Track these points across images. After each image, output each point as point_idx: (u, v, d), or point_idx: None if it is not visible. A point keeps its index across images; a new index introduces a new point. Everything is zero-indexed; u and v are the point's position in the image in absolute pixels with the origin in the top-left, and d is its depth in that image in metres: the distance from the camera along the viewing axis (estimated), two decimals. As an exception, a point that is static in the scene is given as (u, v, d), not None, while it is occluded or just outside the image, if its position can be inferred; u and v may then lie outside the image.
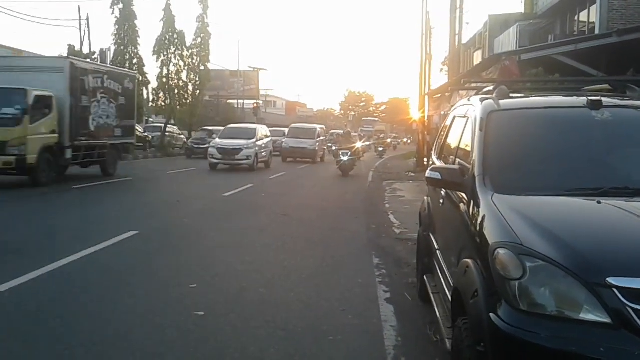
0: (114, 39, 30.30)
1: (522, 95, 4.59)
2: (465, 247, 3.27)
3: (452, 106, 6.49)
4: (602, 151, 3.55)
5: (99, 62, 29.25)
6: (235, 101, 55.85)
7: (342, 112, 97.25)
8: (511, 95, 4.13)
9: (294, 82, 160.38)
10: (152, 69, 45.07)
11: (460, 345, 2.85)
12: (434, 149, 6.04)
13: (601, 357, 2.25)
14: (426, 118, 24.43)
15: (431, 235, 4.97)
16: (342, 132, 31.45)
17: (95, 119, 16.71)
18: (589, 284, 2.35)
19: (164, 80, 33.72)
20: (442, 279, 4.09)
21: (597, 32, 16.80)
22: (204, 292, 5.58)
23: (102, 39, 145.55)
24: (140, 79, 30.68)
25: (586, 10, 19.49)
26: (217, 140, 23.11)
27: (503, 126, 3.70)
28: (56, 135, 14.75)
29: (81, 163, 16.61)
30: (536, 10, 24.12)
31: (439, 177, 3.67)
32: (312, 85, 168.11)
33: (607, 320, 2.30)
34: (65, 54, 51.21)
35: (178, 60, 34.27)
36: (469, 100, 4.64)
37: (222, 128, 27.25)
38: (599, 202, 2.95)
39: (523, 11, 26.60)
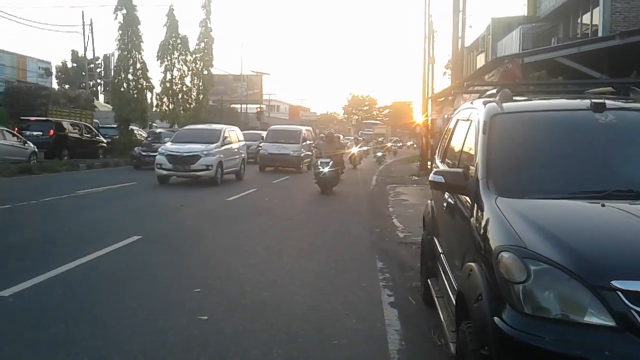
0: (117, 44, 30.39)
1: (525, 98, 4.59)
2: (469, 250, 3.26)
3: (455, 109, 6.48)
4: (606, 154, 3.54)
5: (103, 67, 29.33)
6: (238, 106, 55.94)
7: (346, 116, 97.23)
8: (514, 98, 4.12)
9: (297, 86, 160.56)
10: (155, 74, 45.32)
11: (465, 349, 2.84)
12: (437, 152, 6.03)
13: (606, 360, 2.23)
14: (429, 121, 24.40)
15: (435, 239, 4.96)
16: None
17: None
18: (594, 287, 2.34)
19: (168, 85, 33.85)
20: (446, 283, 4.08)
21: (600, 34, 16.79)
22: (207, 295, 5.58)
23: (106, 45, 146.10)
24: (145, 84, 30.80)
25: (589, 13, 19.47)
26: (168, 144, 17.67)
27: (506, 129, 3.69)
28: None
29: None
30: (539, 13, 24.10)
31: (443, 180, 3.67)
32: (315, 89, 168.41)
33: (611, 323, 2.29)
34: (69, 60, 51.50)
35: (181, 65, 34.42)
36: (472, 103, 4.64)
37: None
38: (603, 205, 2.94)
39: (526, 14, 26.61)
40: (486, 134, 3.62)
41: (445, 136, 5.52)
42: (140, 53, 30.92)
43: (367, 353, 4.35)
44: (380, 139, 41.80)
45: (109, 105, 36.97)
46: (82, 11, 63.47)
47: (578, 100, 4.09)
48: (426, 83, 26.01)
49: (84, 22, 37.33)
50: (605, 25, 17.27)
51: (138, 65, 30.74)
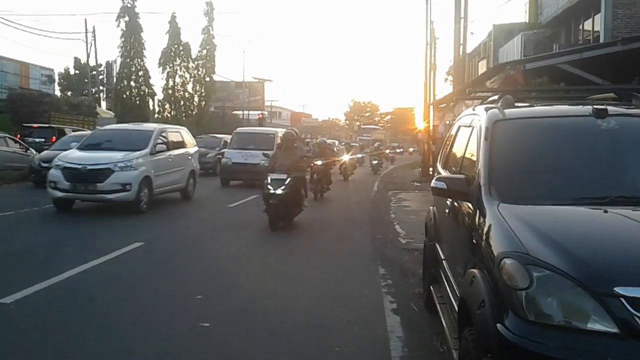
0: (120, 52, 30.60)
1: (527, 104, 4.59)
2: (472, 257, 3.25)
3: (457, 116, 6.49)
4: (608, 160, 3.53)
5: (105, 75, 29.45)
6: (240, 112, 56.04)
7: (347, 122, 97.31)
8: (516, 104, 4.12)
9: (299, 92, 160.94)
10: (157, 80, 45.45)
11: (467, 356, 2.83)
12: (439, 158, 6.03)
13: (609, 367, 2.22)
14: (431, 127, 24.41)
15: (437, 245, 4.95)
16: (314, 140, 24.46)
17: None
18: (597, 294, 2.34)
19: (170, 92, 33.99)
20: (448, 289, 4.07)
21: (601, 40, 16.79)
22: (209, 303, 5.57)
23: (109, 52, 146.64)
24: (147, 91, 30.92)
25: (590, 19, 19.49)
26: (70, 152, 12.41)
27: (508, 135, 3.70)
28: None
29: None
30: (540, 20, 24.14)
31: (445, 186, 3.66)
32: (317, 95, 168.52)
33: (615, 330, 2.28)
34: (71, 67, 51.76)
35: (183, 72, 34.60)
36: (473, 109, 4.64)
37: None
38: (605, 211, 2.93)
39: (527, 20, 26.64)
40: (488, 140, 3.62)
41: (447, 142, 5.52)
42: (142, 60, 31.11)
43: (369, 360, 4.34)
44: (376, 145, 35.87)
45: (111, 112, 37.06)
46: (85, 19, 64.22)
47: (580, 107, 4.09)
48: (428, 89, 26.07)
49: (86, 30, 37.36)
50: (606, 32, 17.28)
51: (140, 72, 30.93)
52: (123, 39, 30.62)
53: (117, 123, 29.79)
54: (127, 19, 30.59)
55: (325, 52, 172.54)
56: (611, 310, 2.30)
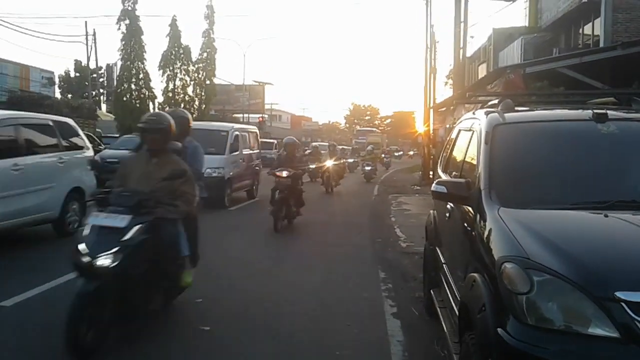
0: (120, 54, 30.59)
1: (527, 108, 4.60)
2: (472, 261, 3.25)
3: (457, 119, 6.50)
4: (608, 164, 3.54)
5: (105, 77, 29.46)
6: (241, 115, 56.04)
7: (348, 125, 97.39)
8: (516, 108, 4.13)
9: (300, 96, 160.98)
10: (158, 83, 45.41)
11: (468, 360, 2.83)
12: (439, 162, 6.03)
13: (610, 372, 2.22)
14: (431, 131, 24.43)
15: (437, 249, 4.95)
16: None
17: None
18: (597, 298, 2.34)
19: (170, 94, 33.97)
20: (449, 293, 4.07)
21: (601, 45, 16.81)
22: (209, 306, 5.57)
23: (109, 54, 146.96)
24: (147, 93, 30.95)
25: (590, 24, 19.51)
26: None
27: (508, 139, 3.70)
28: None
29: None
30: (540, 24, 24.17)
31: (445, 190, 3.66)
32: (318, 99, 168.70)
33: (615, 334, 2.28)
34: (71, 69, 51.77)
35: (184, 75, 34.57)
36: (474, 113, 4.64)
37: None
38: (606, 216, 2.93)
39: (527, 24, 26.68)
40: (488, 144, 3.62)
41: (447, 146, 5.53)
42: (143, 63, 31.11)
43: (369, 364, 4.33)
44: (369, 148, 29.53)
45: (111, 115, 37.09)
46: (86, 21, 64.16)
47: (580, 111, 4.10)
48: (428, 93, 26.08)
49: (87, 32, 37.47)
50: (606, 36, 17.30)
51: (141, 75, 30.93)
52: (123, 42, 30.62)
53: (117, 126, 29.91)
54: (127, 21, 30.59)
55: (325, 55, 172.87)
56: (612, 315, 2.30)
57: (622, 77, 12.05)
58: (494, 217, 3.05)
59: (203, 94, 35.41)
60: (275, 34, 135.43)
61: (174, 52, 33.79)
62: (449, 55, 77.14)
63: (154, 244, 4.40)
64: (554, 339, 2.35)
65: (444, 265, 4.49)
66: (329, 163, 18.31)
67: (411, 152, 68.79)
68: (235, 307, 5.59)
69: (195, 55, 35.16)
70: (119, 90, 30.83)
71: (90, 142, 26.23)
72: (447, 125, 19.60)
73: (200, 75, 35.40)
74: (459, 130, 5.03)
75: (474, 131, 4.14)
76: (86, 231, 4.31)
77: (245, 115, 55.72)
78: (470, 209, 3.50)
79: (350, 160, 27.69)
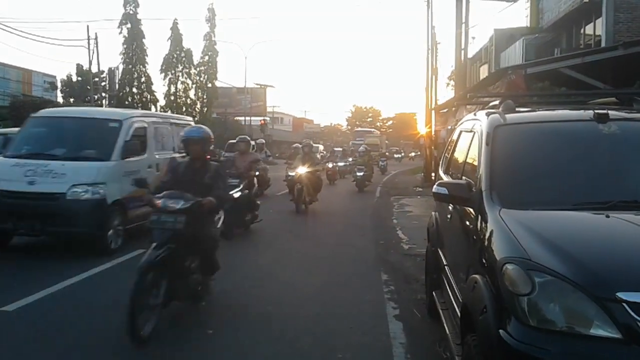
0: (122, 58, 30.72)
1: (528, 109, 4.59)
2: (474, 262, 3.25)
3: (459, 121, 6.49)
4: (610, 164, 3.53)
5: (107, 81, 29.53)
6: (242, 118, 56.15)
7: (350, 127, 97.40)
8: (517, 109, 4.12)
9: (301, 98, 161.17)
10: (159, 87, 45.39)
11: (470, 362, 2.82)
12: (440, 163, 6.03)
13: (613, 373, 2.22)
14: (433, 133, 24.42)
15: (439, 251, 4.94)
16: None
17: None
18: (599, 299, 2.33)
19: (172, 98, 34.04)
20: (451, 295, 4.06)
21: (603, 45, 16.79)
22: (212, 309, 5.56)
23: (111, 58, 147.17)
24: (149, 97, 31.03)
25: (592, 24, 19.50)
26: None
27: (509, 140, 3.69)
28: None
29: None
30: (542, 24, 24.15)
31: (446, 192, 3.66)
32: (319, 101, 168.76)
33: (617, 335, 2.28)
34: (74, 73, 51.90)
35: (185, 78, 34.65)
36: (475, 114, 4.64)
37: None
38: (607, 216, 2.93)
39: (529, 25, 26.67)
40: (489, 145, 3.62)
41: (449, 147, 5.52)
42: (144, 66, 31.24)
43: (372, 366, 4.32)
44: (361, 149, 23.60)
45: (113, 119, 37.08)
46: (87, 25, 64.26)
47: (581, 111, 4.09)
48: (429, 94, 26.10)
49: (89, 37, 37.54)
50: (608, 36, 17.29)
51: (142, 79, 31.04)
52: (125, 46, 30.75)
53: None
54: (129, 25, 30.72)
55: (327, 57, 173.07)
56: (614, 316, 2.29)
57: (623, 77, 12.03)
58: (495, 218, 3.05)
59: (205, 97, 35.51)
60: (276, 36, 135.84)
61: (175, 56, 33.89)
62: (451, 57, 77.04)
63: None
64: (556, 340, 2.34)
65: (445, 266, 4.49)
66: (301, 170, 13.15)
67: (412, 154, 68.59)
68: (238, 310, 5.58)
69: (196, 58, 35.29)
70: (120, 94, 30.93)
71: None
72: (449, 127, 19.59)
73: (201, 78, 35.50)
74: (460, 132, 5.02)
75: (475, 132, 4.14)
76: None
77: (247, 117, 55.87)
78: (471, 210, 3.50)
79: (341, 164, 24.48)
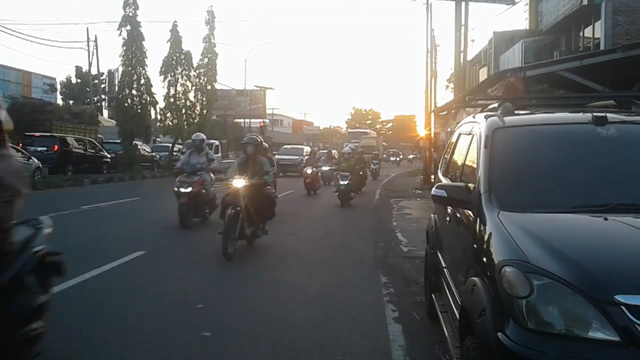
0: (121, 60, 30.59)
1: (527, 111, 4.59)
2: (472, 265, 3.25)
3: (458, 123, 6.50)
4: (608, 167, 3.53)
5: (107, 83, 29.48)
6: (242, 120, 56.13)
7: (348, 130, 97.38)
8: (516, 112, 4.12)
9: (301, 100, 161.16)
10: (159, 89, 45.31)
11: (469, 364, 2.82)
12: (439, 166, 6.03)
13: (611, 376, 2.22)
14: (432, 135, 24.44)
15: (438, 253, 4.94)
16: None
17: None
18: (597, 302, 2.33)
19: (171, 100, 33.93)
20: (450, 298, 4.06)
21: (602, 47, 16.84)
22: (210, 312, 5.56)
23: (110, 60, 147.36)
24: (148, 99, 30.98)
25: (591, 26, 19.54)
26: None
27: (508, 143, 3.69)
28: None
29: None
30: (541, 27, 24.21)
31: (445, 194, 3.66)
32: (319, 103, 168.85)
33: (616, 338, 2.28)
34: (73, 75, 51.87)
35: (185, 81, 34.50)
36: (473, 117, 4.64)
37: None
38: (605, 219, 2.93)
39: (528, 28, 26.73)
40: (488, 147, 3.62)
41: (448, 150, 5.53)
42: (144, 69, 31.11)
43: (371, 369, 4.32)
44: (346, 149, 19.87)
45: (113, 121, 37.14)
46: (87, 27, 64.27)
47: (580, 114, 4.09)
48: (429, 97, 26.13)
49: (88, 39, 37.61)
50: (607, 39, 17.34)
51: (142, 81, 30.92)
52: (125, 48, 30.61)
53: (119, 131, 29.91)
54: (128, 27, 30.59)
55: (326, 60, 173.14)
56: (612, 319, 2.29)
57: (622, 79, 12.06)
58: (493, 221, 3.05)
59: (204, 99, 35.34)
60: (276, 38, 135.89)
61: (175, 58, 33.75)
62: (450, 59, 77.19)
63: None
64: (554, 343, 2.34)
65: (444, 269, 4.49)
66: (238, 183, 8.35)
67: (411, 156, 68.50)
68: (237, 312, 5.58)
69: (196, 60, 35.10)
70: (120, 96, 30.83)
71: (92, 148, 26.05)
72: (448, 129, 19.58)
73: (201, 81, 35.34)
74: (459, 134, 5.03)
75: (473, 135, 4.14)
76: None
77: (247, 120, 55.89)
78: (470, 212, 3.50)
79: (325, 169, 20.42)
